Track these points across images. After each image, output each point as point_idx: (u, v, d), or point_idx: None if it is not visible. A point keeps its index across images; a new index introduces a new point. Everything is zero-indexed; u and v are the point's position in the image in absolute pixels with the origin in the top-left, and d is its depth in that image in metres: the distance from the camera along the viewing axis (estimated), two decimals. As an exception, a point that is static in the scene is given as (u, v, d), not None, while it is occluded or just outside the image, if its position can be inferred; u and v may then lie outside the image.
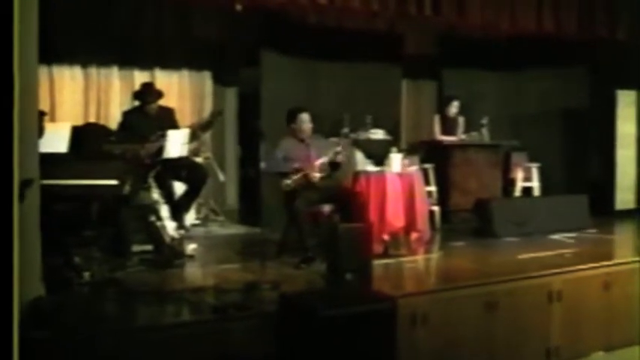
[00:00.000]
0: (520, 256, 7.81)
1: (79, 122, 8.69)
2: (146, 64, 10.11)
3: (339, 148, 7.66)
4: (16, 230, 3.03)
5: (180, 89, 10.42)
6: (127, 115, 8.24)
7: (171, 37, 10.18)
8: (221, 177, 10.06)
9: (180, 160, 7.79)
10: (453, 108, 10.88)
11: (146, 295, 5.96)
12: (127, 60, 9.98)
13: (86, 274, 6.12)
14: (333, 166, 7.71)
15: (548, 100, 12.24)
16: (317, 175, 7.53)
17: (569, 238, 9.09)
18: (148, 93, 8.17)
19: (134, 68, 10.05)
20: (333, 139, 7.77)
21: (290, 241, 7.56)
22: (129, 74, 10.02)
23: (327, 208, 7.62)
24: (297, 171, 7.48)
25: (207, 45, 10.49)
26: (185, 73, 10.50)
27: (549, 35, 10.63)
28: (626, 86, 11.72)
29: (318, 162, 7.56)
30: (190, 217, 9.12)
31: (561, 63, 11.89)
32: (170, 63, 10.30)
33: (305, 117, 7.73)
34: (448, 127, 10.82)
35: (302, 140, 7.74)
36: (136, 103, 8.38)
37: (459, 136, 10.84)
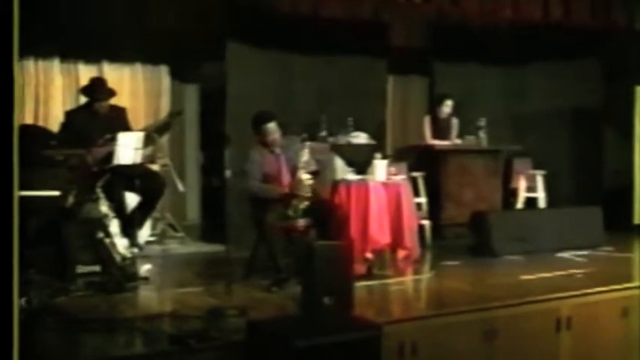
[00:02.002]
0: (523, 278, 7.86)
1: (15, 124, 8.66)
2: (93, 57, 10.10)
3: (304, 158, 7.63)
4: (16, 230, 3.27)
5: (132, 86, 10.43)
6: (71, 115, 8.22)
7: (122, 26, 10.14)
8: (180, 187, 10.05)
9: (132, 167, 7.78)
10: (446, 108, 10.93)
11: (93, 324, 5.93)
12: (71, 52, 9.96)
13: (22, 301, 6.08)
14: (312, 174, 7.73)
15: (556, 98, 12.33)
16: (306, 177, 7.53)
17: (580, 256, 9.17)
18: (98, 89, 8.14)
19: (79, 61, 10.04)
20: (303, 144, 7.75)
21: (260, 260, 7.58)
22: (72, 68, 10.02)
23: (301, 222, 7.60)
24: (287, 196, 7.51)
25: (164, 35, 10.47)
26: (138, 68, 10.52)
27: (557, 24, 10.72)
28: (645, 82, 11.84)
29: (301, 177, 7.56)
30: (145, 234, 9.10)
31: (571, 56, 12.00)
32: (121, 55, 10.30)
33: (271, 128, 7.70)
34: (440, 129, 10.88)
35: (271, 151, 7.76)
36: (82, 101, 8.37)
37: (453, 140, 10.91)
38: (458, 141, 10.90)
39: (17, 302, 3.27)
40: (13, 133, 3.20)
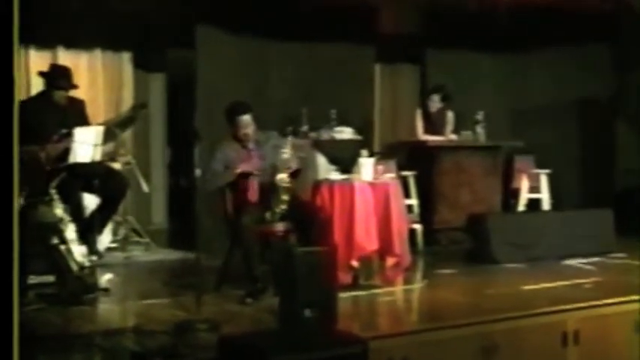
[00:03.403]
0: (526, 287, 7.88)
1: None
2: (46, 42, 10.05)
3: (285, 155, 7.61)
4: (16, 232, 3.42)
5: (91, 75, 10.38)
6: (21, 106, 8.11)
7: (79, 7, 10.10)
8: (145, 187, 10.04)
9: (91, 166, 7.76)
10: (434, 103, 10.92)
11: (46, 340, 5.91)
12: (21, 36, 9.84)
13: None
14: (292, 174, 7.71)
15: (562, 89, 12.38)
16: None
17: (588, 264, 9.20)
18: (63, 77, 8.07)
19: (30, 46, 9.98)
20: (278, 139, 7.75)
21: (233, 268, 7.57)
22: (23, 54, 9.93)
23: (280, 226, 7.61)
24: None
25: (127, 18, 10.42)
26: (98, 54, 10.47)
27: (562, 7, 10.74)
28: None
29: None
30: (105, 240, 9.09)
31: (578, 42, 12.03)
32: (78, 40, 10.25)
33: (245, 120, 7.66)
34: (434, 124, 10.90)
35: (244, 146, 7.72)
36: (34, 91, 8.33)
37: (448, 136, 10.92)
38: (453, 136, 10.91)
39: (17, 304, 3.34)
40: (13, 133, 3.24)
